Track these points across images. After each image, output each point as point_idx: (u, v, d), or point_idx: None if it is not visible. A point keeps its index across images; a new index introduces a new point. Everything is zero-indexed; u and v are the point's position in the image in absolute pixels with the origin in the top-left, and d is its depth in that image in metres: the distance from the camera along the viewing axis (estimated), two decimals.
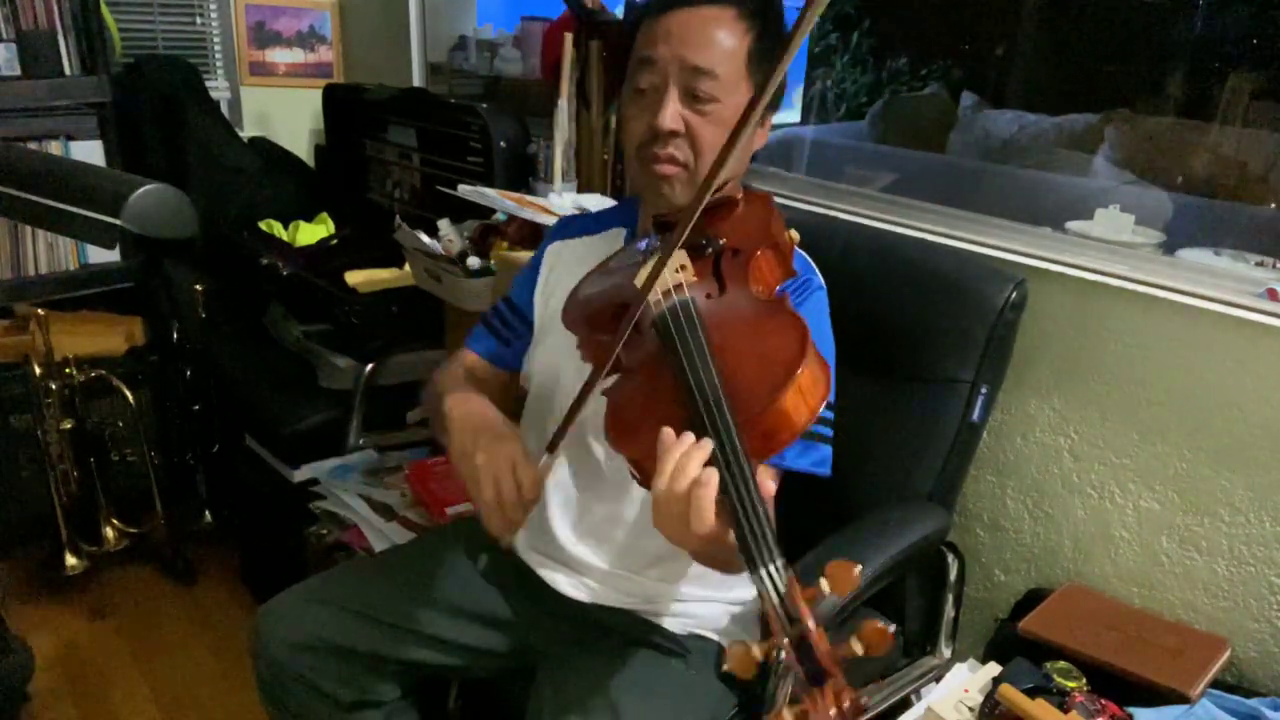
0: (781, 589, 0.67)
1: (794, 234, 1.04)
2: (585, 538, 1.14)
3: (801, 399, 0.80)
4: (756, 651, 0.67)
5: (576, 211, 1.64)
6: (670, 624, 1.14)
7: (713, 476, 0.74)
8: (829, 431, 1.07)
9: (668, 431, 0.77)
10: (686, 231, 0.91)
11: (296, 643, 1.16)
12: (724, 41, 1.02)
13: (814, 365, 0.82)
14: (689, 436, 0.76)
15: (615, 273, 1.04)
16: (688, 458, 0.75)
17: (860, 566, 0.67)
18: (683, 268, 0.96)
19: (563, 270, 1.21)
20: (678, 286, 0.92)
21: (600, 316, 0.98)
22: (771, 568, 0.68)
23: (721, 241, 1.00)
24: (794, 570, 0.69)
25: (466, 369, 1.24)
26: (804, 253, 1.13)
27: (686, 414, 0.79)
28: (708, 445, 0.75)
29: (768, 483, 0.75)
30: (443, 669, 1.23)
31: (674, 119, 1.03)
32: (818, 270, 1.15)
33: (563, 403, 0.98)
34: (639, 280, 0.94)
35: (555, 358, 1.14)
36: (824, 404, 0.83)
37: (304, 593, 1.21)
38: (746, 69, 1.04)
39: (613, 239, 1.23)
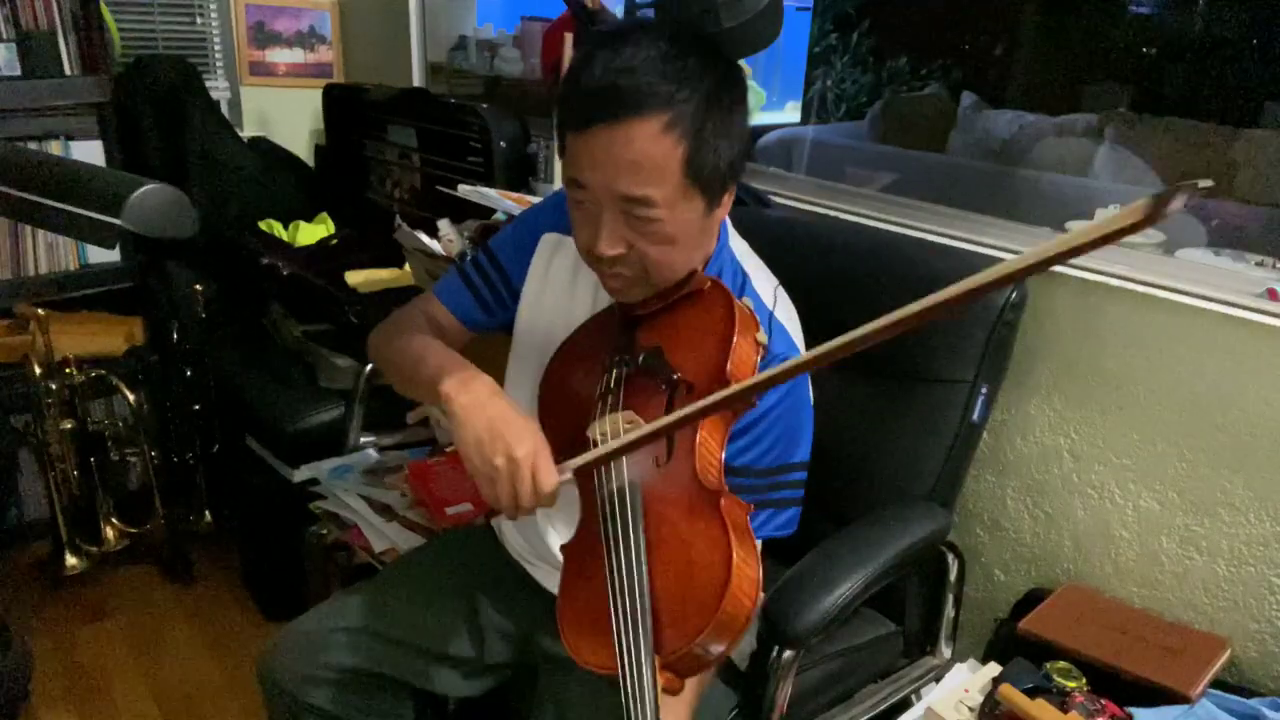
0: None
1: (748, 314, 0.96)
2: None
3: (727, 628, 0.77)
4: None
5: None
6: None
7: None
8: (797, 494, 1.04)
9: None
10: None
11: (310, 675, 1.15)
12: (655, 161, 0.89)
13: (741, 581, 0.77)
14: None
15: (583, 374, 1.01)
16: None
17: None
18: (630, 424, 0.90)
19: (554, 277, 1.15)
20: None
21: (562, 425, 0.96)
22: None
23: (676, 376, 0.91)
24: None
25: (429, 318, 1.19)
26: (785, 319, 1.06)
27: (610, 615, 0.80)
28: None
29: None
30: (459, 687, 1.22)
31: (613, 245, 0.93)
32: (798, 335, 1.06)
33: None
34: (591, 432, 0.91)
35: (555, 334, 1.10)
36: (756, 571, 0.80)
37: (313, 622, 1.19)
38: (685, 179, 0.91)
39: None
